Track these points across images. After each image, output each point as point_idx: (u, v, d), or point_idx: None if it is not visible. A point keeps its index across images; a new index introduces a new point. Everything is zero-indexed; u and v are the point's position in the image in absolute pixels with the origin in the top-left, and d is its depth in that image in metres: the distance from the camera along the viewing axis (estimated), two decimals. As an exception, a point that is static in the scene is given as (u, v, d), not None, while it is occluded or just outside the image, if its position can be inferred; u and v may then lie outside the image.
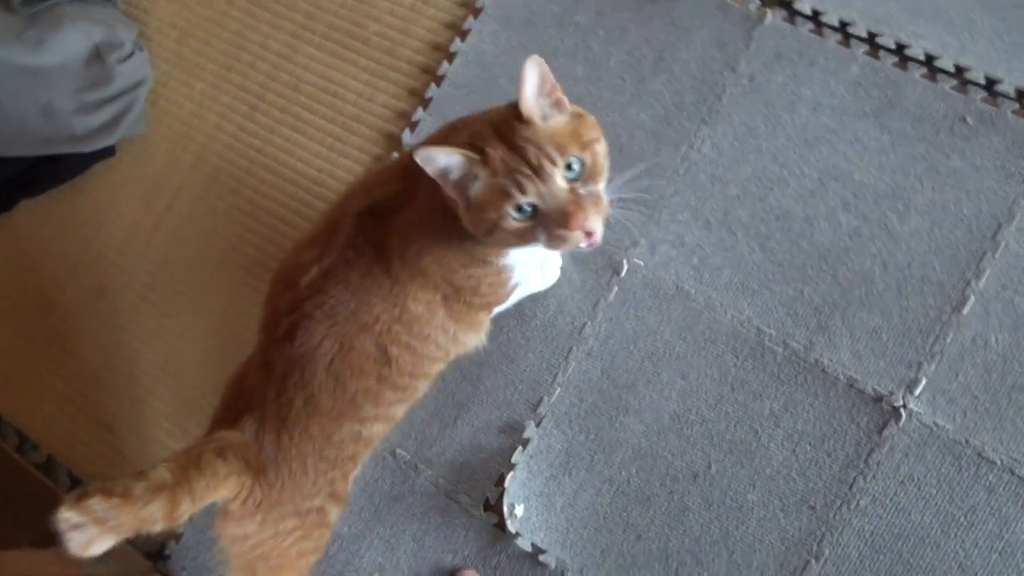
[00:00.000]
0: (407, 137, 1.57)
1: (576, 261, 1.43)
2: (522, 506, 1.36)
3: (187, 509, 0.95)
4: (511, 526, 1.35)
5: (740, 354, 1.34)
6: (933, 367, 1.27)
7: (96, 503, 0.88)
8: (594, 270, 1.42)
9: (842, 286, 1.32)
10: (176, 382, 1.61)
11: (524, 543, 1.35)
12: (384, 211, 1.08)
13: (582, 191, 0.95)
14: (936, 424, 1.25)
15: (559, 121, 0.96)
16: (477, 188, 0.96)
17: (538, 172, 0.93)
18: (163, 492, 0.93)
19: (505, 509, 1.36)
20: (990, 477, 1.23)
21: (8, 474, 1.60)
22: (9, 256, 1.78)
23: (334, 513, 1.18)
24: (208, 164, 1.71)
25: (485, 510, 1.39)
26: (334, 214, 1.14)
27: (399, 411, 1.18)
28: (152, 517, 0.91)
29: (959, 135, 1.32)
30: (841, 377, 1.30)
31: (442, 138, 1.04)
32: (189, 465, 0.99)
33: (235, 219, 1.66)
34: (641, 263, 1.41)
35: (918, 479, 1.25)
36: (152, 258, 1.69)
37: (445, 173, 0.95)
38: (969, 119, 1.32)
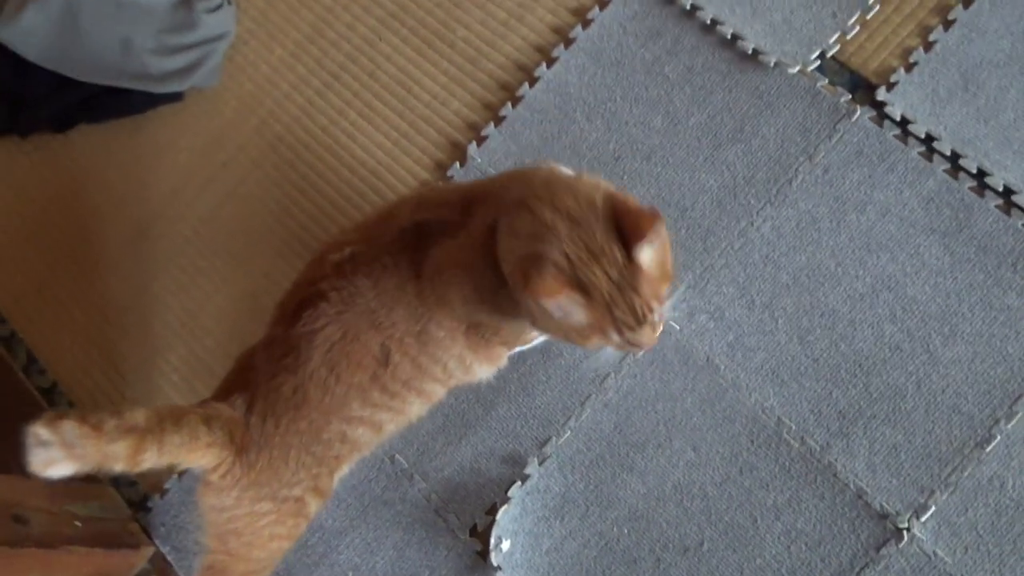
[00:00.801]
0: (473, 150, 1.59)
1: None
2: (509, 541, 1.38)
3: (151, 458, 0.98)
4: (494, 559, 1.37)
5: (756, 440, 1.36)
6: (945, 497, 1.28)
7: (69, 427, 0.92)
8: (629, 323, 1.44)
9: (872, 396, 1.34)
10: (194, 339, 1.64)
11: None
12: (430, 233, 1.09)
13: (657, 317, 0.98)
14: (935, 554, 1.26)
15: (655, 258, 0.95)
16: (567, 318, 0.96)
17: (640, 322, 0.95)
18: (132, 434, 0.96)
19: (492, 540, 1.38)
20: (978, 619, 1.24)
21: (10, 394, 1.62)
22: (59, 177, 1.81)
23: (313, 505, 1.20)
24: (272, 131, 1.73)
25: (471, 535, 1.41)
26: (384, 215, 1.16)
27: (386, 421, 1.19)
28: (115, 455, 0.94)
29: (1021, 273, 1.34)
30: (851, 486, 1.31)
31: (490, 195, 1.06)
32: (167, 419, 1.02)
33: (286, 192, 1.68)
34: (677, 327, 1.42)
35: (906, 604, 1.26)
36: (198, 212, 1.72)
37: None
38: (1034, 260, 1.33)
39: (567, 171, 1.07)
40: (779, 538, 1.32)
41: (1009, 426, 1.29)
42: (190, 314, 1.65)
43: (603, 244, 0.92)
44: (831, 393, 1.35)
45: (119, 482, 1.57)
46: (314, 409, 1.12)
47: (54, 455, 0.92)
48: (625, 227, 0.92)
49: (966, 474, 1.29)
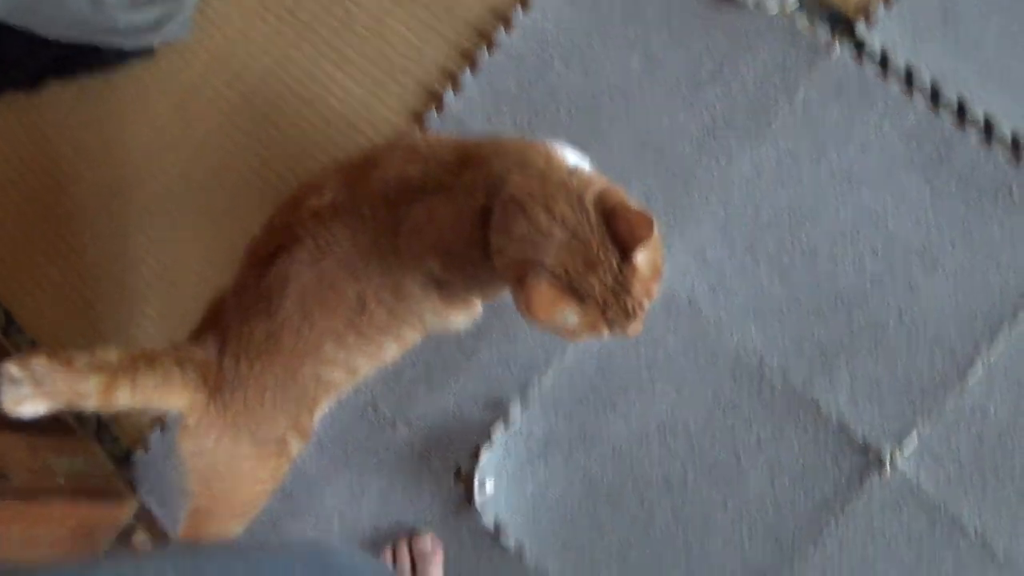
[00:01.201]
0: (450, 98, 1.58)
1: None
2: (492, 483, 1.39)
3: (124, 397, 0.99)
4: (478, 500, 1.38)
5: (738, 378, 1.37)
6: (927, 427, 1.29)
7: (39, 364, 0.93)
8: (610, 266, 1.44)
9: (853, 331, 1.35)
10: (171, 294, 1.64)
11: (487, 520, 1.38)
12: (413, 189, 1.07)
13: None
14: (918, 484, 1.28)
15: (648, 259, 0.96)
16: (559, 322, 0.97)
17: (630, 319, 0.96)
18: (103, 371, 0.96)
19: (476, 483, 1.38)
20: (961, 545, 1.26)
21: (-11, 353, 1.62)
22: (31, 136, 1.79)
23: (295, 446, 1.20)
24: (244, 84, 1.72)
25: (455, 479, 1.42)
26: (367, 161, 1.14)
27: (362, 364, 1.19)
28: (86, 392, 0.95)
29: (1002, 205, 1.34)
30: (834, 419, 1.32)
31: (484, 165, 1.04)
32: (141, 359, 1.02)
33: (262, 144, 1.67)
34: (659, 268, 1.42)
35: (889, 534, 1.28)
36: (172, 168, 1.70)
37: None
38: (1015, 191, 1.34)
39: (562, 152, 1.06)
40: (762, 473, 1.33)
41: (991, 356, 1.30)
42: (168, 269, 1.64)
43: (599, 252, 0.92)
44: (813, 330, 1.36)
45: (101, 438, 1.57)
46: (288, 353, 1.11)
47: (24, 392, 0.92)
48: (619, 232, 0.92)
49: (948, 404, 1.30)
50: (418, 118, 1.61)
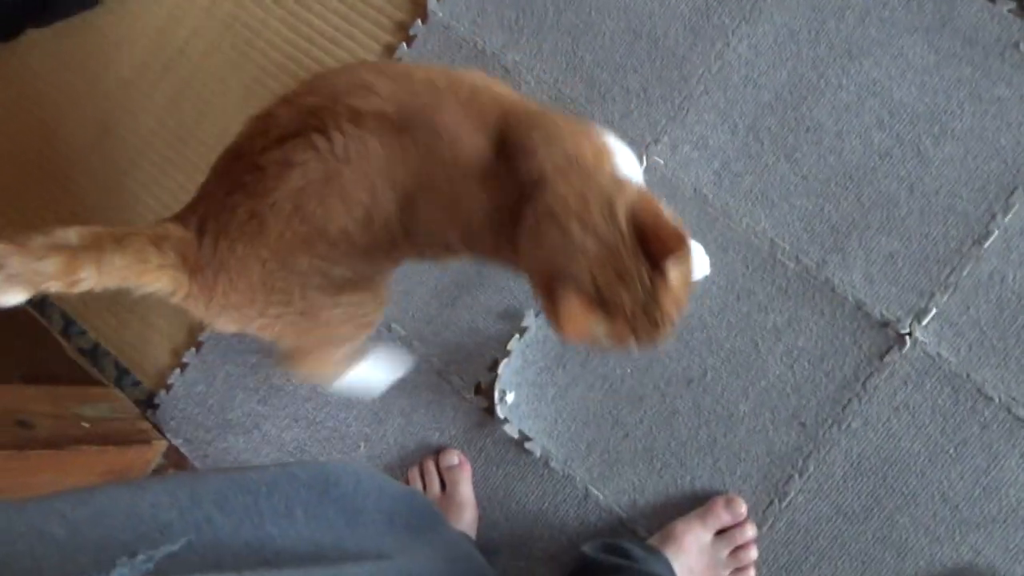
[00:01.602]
0: (433, 5, 1.53)
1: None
2: (513, 393, 1.39)
3: (89, 276, 0.93)
4: (500, 411, 1.38)
5: (751, 264, 1.35)
6: (945, 298, 1.27)
7: None
8: (612, 164, 1.41)
9: (864, 206, 1.32)
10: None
11: (511, 429, 1.38)
12: (454, 141, 1.00)
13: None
14: (940, 355, 1.27)
15: (681, 273, 0.93)
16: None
17: (660, 331, 0.93)
18: (62, 252, 0.91)
19: (496, 394, 1.38)
20: (986, 413, 1.25)
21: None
22: (14, 85, 1.77)
23: (337, 303, 1.15)
24: (223, 10, 1.67)
25: (476, 393, 1.42)
26: (430, 89, 1.03)
27: (348, 273, 1.13)
28: (45, 272, 0.90)
29: (1009, 63, 1.29)
30: (850, 298, 1.30)
31: (526, 148, 0.98)
32: (107, 238, 0.96)
33: (247, 72, 1.64)
34: (661, 161, 1.39)
35: (913, 408, 1.27)
36: (159, 103, 1.67)
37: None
38: (1023, 46, 1.29)
39: (612, 148, 1.02)
40: (781, 359, 1.32)
41: (1006, 219, 1.27)
42: (165, 207, 1.62)
43: (631, 266, 0.90)
44: (823, 208, 1.33)
45: (123, 384, 1.58)
46: (275, 240, 1.04)
47: None
48: (652, 246, 0.89)
49: (965, 272, 1.28)
50: (403, 28, 1.56)
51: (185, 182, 1.62)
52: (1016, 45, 1.30)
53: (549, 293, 0.91)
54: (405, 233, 1.05)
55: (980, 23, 1.31)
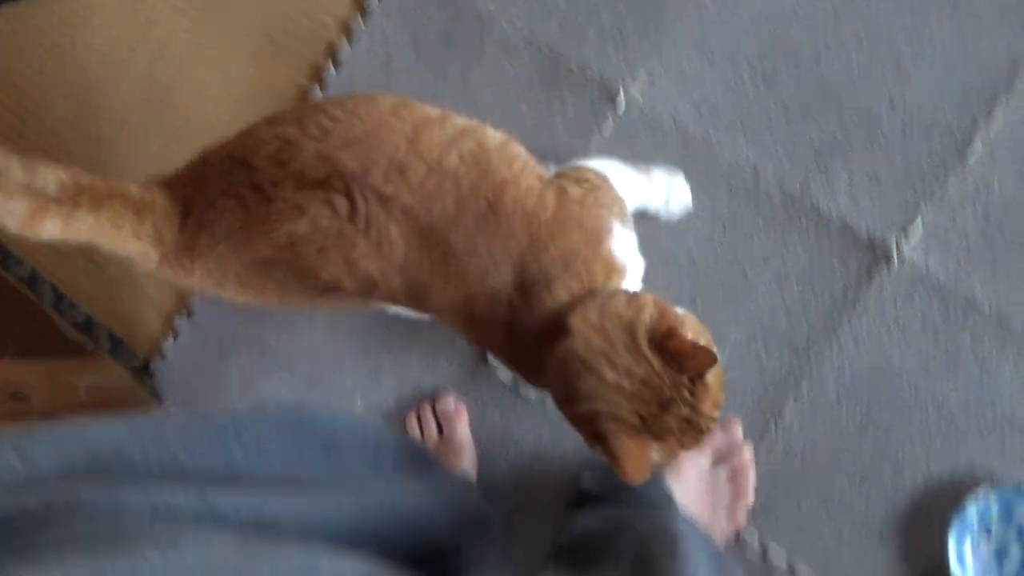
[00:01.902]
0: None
1: (568, 88, 1.41)
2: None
3: (52, 229, 0.91)
4: (492, 357, 1.39)
5: (735, 193, 1.35)
6: (931, 212, 1.27)
7: None
8: (589, 102, 1.40)
9: (846, 126, 1.31)
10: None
11: (504, 375, 1.39)
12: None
13: None
14: (928, 269, 1.27)
15: (714, 373, 0.94)
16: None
17: (704, 434, 0.95)
18: (34, 198, 0.90)
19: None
20: (977, 324, 1.25)
21: (-9, 286, 1.63)
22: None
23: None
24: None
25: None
26: (424, 161, 0.99)
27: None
28: (10, 211, 0.88)
29: (985, -30, 1.28)
30: (835, 219, 1.30)
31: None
32: (86, 194, 0.94)
33: (220, 36, 1.63)
34: (639, 96, 1.39)
35: (904, 323, 1.28)
36: (136, 75, 1.66)
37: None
38: (999, -47, 1.28)
39: (608, 242, 1.03)
40: (770, 284, 1.32)
41: (990, 130, 1.27)
42: (149, 170, 1.62)
43: (670, 392, 0.91)
44: (804, 132, 1.33)
45: (117, 353, 1.59)
46: (258, 254, 1.03)
47: None
48: (686, 365, 0.91)
49: (950, 186, 1.27)
50: (316, 74, 1.55)
51: (162, 150, 1.62)
52: (990, -47, 1.28)
53: (599, 438, 0.93)
54: (410, 304, 1.05)
55: (949, -67, 1.30)
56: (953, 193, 1.27)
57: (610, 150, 1.39)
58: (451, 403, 1.40)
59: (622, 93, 1.39)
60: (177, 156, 1.59)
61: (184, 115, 1.63)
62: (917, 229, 1.27)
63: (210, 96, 1.62)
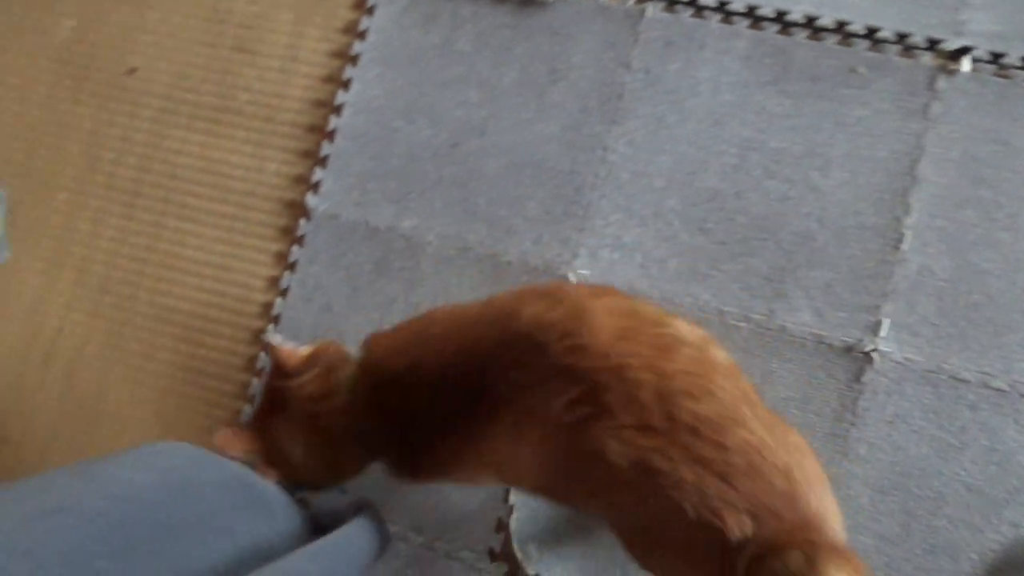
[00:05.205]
0: (311, 200, 1.55)
1: (514, 283, 1.45)
2: (534, 546, 1.35)
3: None
4: (530, 569, 1.34)
5: (707, 338, 1.39)
6: (890, 306, 1.36)
7: None
8: (541, 290, 1.44)
9: (786, 250, 1.40)
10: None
11: (544, 582, 1.35)
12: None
13: None
14: (907, 359, 1.34)
15: None
16: None
17: None
18: None
19: (517, 552, 1.34)
20: (969, 395, 1.33)
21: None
22: None
23: None
24: (94, 276, 1.63)
25: (492, 560, 1.37)
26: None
27: None
28: None
29: (855, 85, 1.44)
30: (808, 337, 1.37)
31: None
32: None
33: (140, 326, 1.59)
34: (587, 272, 1.44)
35: (905, 415, 1.33)
36: (52, 391, 1.59)
37: None
38: (860, 69, 1.44)
39: None
40: (770, 414, 1.36)
41: (911, 219, 1.38)
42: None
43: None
44: (750, 264, 1.41)
45: None
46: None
47: None
48: None
49: (896, 278, 1.37)
50: (288, 233, 1.56)
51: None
52: (853, 69, 1.44)
53: None
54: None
55: (816, 61, 1.46)
56: (902, 284, 1.37)
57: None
58: None
59: (570, 273, 1.44)
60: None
61: (119, 417, 1.55)
62: (884, 325, 1.36)
63: (146, 388, 1.55)
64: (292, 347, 1.20)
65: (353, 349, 1.19)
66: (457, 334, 1.06)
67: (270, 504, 1.02)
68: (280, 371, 1.17)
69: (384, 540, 1.21)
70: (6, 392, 1.60)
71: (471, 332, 1.05)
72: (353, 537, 1.11)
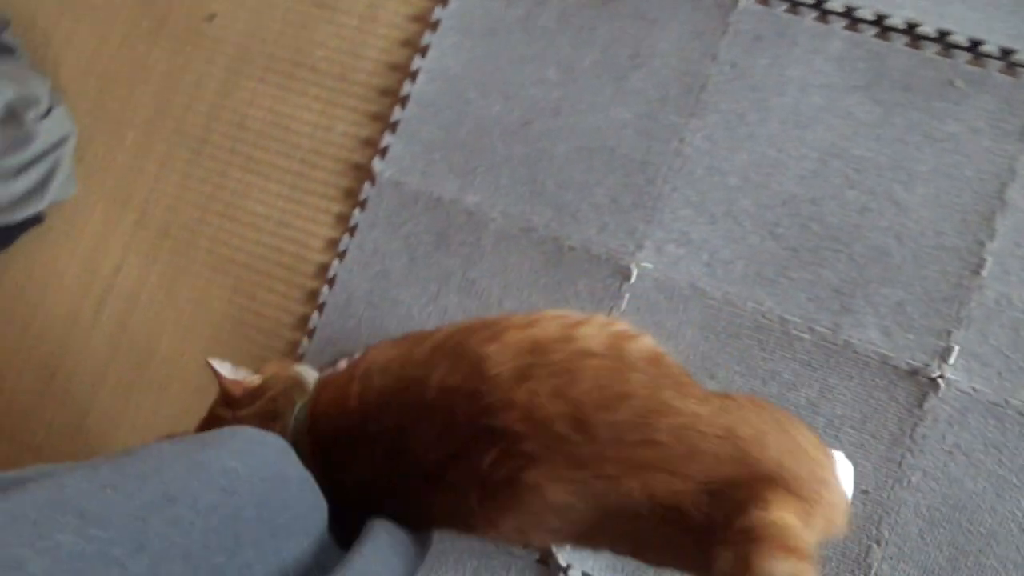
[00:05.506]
0: (378, 165, 1.53)
1: (576, 269, 1.42)
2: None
3: None
4: (562, 560, 1.32)
5: (767, 346, 1.36)
6: (962, 333, 1.31)
7: None
8: (601, 279, 1.42)
9: (859, 264, 1.36)
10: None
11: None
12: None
13: None
14: (974, 389, 1.29)
15: None
16: None
17: None
18: None
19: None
20: (1036, 434, 1.27)
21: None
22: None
23: None
24: (155, 219, 1.63)
25: (524, 547, 1.36)
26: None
27: None
28: None
29: (950, 99, 1.38)
30: (873, 355, 1.32)
31: None
32: None
33: (196, 274, 1.59)
34: (650, 266, 1.41)
35: (965, 447, 1.29)
36: (106, 330, 1.60)
37: None
38: (958, 82, 1.38)
39: None
40: (825, 431, 1.33)
41: (995, 244, 1.33)
42: (138, 439, 1.53)
43: None
44: (820, 274, 1.37)
45: None
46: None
47: None
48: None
49: (973, 304, 1.32)
50: (352, 196, 1.55)
51: (156, 404, 1.54)
52: (951, 82, 1.38)
53: None
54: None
55: (912, 70, 1.40)
56: (977, 311, 1.32)
57: (632, 323, 1.39)
58: None
59: (633, 265, 1.41)
60: (175, 405, 1.53)
61: (169, 361, 1.56)
62: (954, 352, 1.31)
63: (196, 336, 1.56)
64: (241, 375, 1.16)
65: (310, 376, 1.16)
66: (391, 394, 1.03)
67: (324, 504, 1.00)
68: (225, 400, 1.14)
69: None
70: (61, 327, 1.62)
71: (399, 398, 1.02)
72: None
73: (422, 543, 1.11)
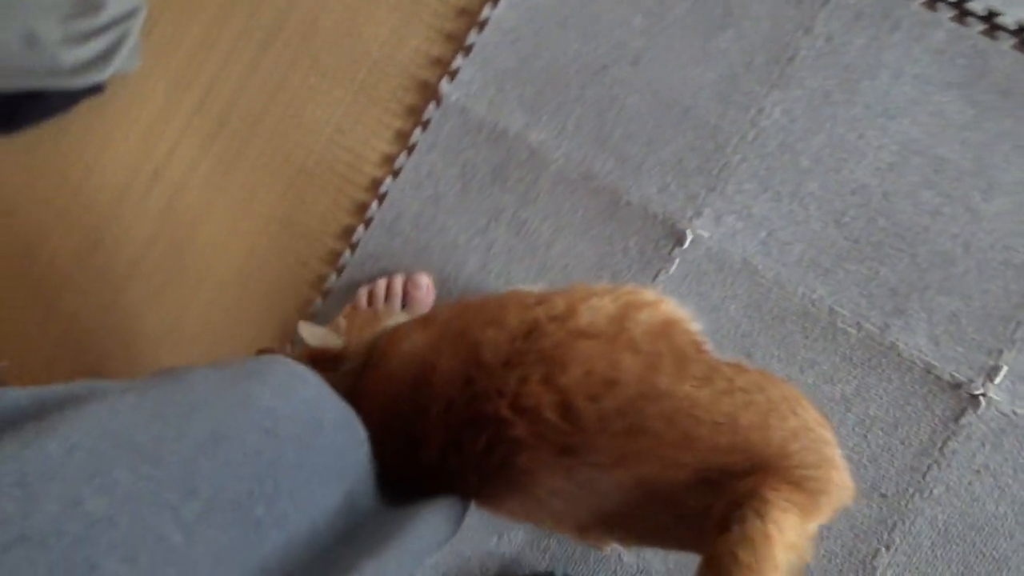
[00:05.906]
0: (446, 87, 1.50)
1: (630, 224, 1.39)
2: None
3: None
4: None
5: (810, 334, 1.33)
6: (1013, 355, 1.28)
7: None
8: (653, 239, 1.39)
9: (921, 267, 1.32)
10: (180, 348, 1.54)
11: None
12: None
13: None
14: (1015, 413, 1.27)
15: None
16: None
17: None
18: None
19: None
20: (1069, 469, 1.25)
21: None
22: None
23: None
24: (214, 107, 1.61)
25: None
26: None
27: None
28: None
29: (1048, 112, 1.31)
30: (918, 362, 1.30)
31: None
32: None
33: (249, 166, 1.58)
34: (705, 234, 1.38)
35: (994, 468, 1.27)
36: (153, 209, 1.61)
37: None
38: (1059, 95, 1.31)
39: None
40: (854, 429, 1.31)
41: (1065, 270, 1.28)
42: (170, 322, 1.55)
43: None
44: (879, 272, 1.33)
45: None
46: None
47: None
48: None
49: (1030, 327, 1.28)
50: (415, 113, 1.53)
51: (188, 295, 1.55)
52: (1052, 94, 1.32)
53: None
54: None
55: (1014, 74, 1.34)
56: (1034, 334, 1.28)
57: (677, 289, 1.37)
58: (424, 282, 1.42)
59: (688, 231, 1.38)
60: (201, 304, 1.54)
61: (205, 258, 1.56)
62: (1002, 372, 1.28)
63: (238, 233, 1.56)
64: (329, 338, 1.12)
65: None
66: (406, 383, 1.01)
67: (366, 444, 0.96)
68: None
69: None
70: (111, 199, 1.62)
71: (411, 387, 1.00)
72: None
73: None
